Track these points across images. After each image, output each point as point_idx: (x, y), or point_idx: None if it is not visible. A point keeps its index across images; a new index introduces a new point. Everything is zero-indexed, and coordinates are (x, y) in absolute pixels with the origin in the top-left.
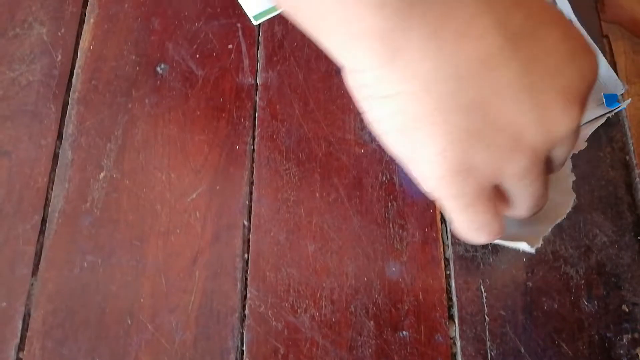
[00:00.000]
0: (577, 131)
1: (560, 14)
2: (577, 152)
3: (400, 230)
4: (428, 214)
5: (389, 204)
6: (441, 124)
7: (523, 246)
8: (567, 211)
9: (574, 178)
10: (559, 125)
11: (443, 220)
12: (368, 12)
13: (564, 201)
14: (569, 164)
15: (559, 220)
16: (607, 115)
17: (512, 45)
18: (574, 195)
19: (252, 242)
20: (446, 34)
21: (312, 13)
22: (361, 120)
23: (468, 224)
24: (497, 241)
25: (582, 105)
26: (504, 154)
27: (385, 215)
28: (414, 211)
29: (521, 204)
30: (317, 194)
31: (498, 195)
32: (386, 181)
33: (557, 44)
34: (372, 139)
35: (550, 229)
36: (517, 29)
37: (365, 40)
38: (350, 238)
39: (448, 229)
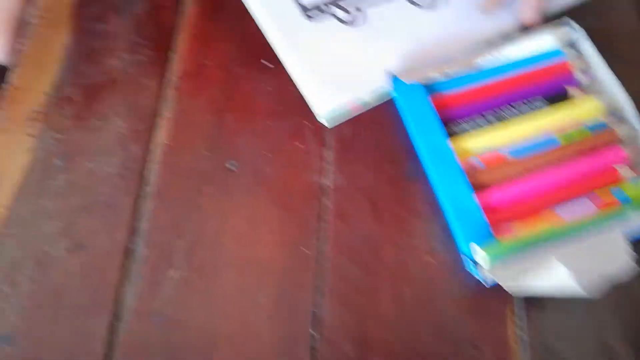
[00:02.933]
0: None
1: None
2: None
3: (471, 349)
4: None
5: (460, 318)
6: None
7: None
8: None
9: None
10: None
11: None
12: None
13: (620, 262)
14: (618, 234)
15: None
16: None
17: None
18: (630, 256)
19: (319, 354)
20: None
21: None
22: (432, 227)
23: None
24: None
25: None
26: None
27: (457, 331)
28: (487, 327)
29: None
30: (386, 303)
31: None
32: (457, 292)
33: None
34: (443, 247)
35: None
36: None
37: None
38: (420, 355)
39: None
